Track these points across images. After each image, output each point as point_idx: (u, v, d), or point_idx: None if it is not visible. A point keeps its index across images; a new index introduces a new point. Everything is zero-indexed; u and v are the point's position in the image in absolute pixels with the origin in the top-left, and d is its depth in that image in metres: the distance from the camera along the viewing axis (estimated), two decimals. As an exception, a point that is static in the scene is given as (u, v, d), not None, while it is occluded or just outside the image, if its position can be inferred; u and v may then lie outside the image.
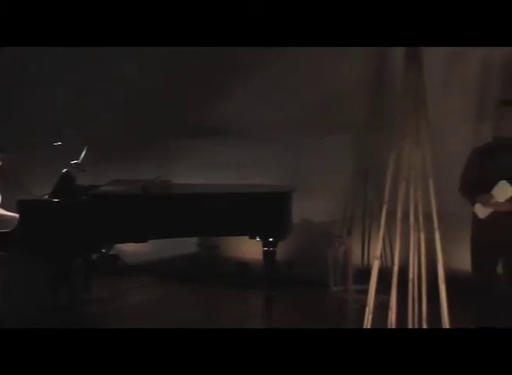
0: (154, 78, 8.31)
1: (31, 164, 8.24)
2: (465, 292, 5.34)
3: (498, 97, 5.90)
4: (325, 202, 7.85)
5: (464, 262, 5.58)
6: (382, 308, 5.32)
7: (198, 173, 7.77)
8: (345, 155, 7.84)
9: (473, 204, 5.39)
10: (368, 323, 5.26)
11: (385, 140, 5.76)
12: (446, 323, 5.13)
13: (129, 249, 8.02)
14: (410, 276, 5.17)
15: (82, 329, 5.00)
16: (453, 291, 5.17)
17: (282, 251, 6.52)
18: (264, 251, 6.29)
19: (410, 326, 5.17)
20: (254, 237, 6.31)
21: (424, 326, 5.14)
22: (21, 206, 5.98)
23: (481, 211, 5.34)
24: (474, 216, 5.43)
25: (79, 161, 6.64)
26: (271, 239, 6.27)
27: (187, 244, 8.08)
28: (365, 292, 5.39)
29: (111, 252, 7.78)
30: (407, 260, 5.19)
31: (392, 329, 5.13)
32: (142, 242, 6.24)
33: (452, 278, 5.29)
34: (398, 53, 5.39)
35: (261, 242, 6.29)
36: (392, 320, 5.19)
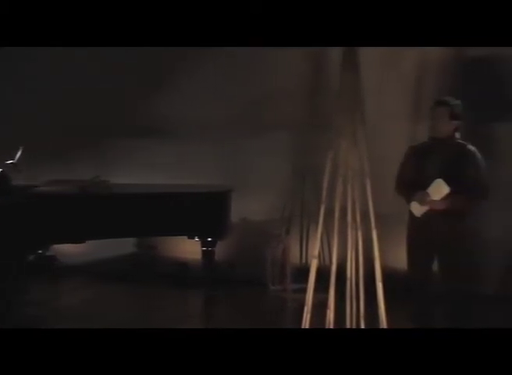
0: (92, 78, 8.24)
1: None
2: (402, 291, 5.40)
3: (433, 97, 5.96)
4: (264, 202, 7.87)
5: (402, 260, 5.63)
6: (320, 307, 5.35)
7: (136, 172, 7.73)
8: (283, 155, 7.87)
9: (409, 202, 5.43)
10: (306, 322, 5.28)
11: (322, 139, 5.79)
12: (383, 322, 5.18)
13: (67, 250, 7.93)
14: (348, 275, 5.21)
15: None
16: (391, 290, 5.22)
17: (221, 250, 6.51)
18: (203, 251, 6.28)
19: (348, 325, 5.20)
20: (192, 237, 6.29)
21: (362, 324, 5.18)
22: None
23: (417, 209, 5.38)
24: (410, 214, 5.48)
25: (14, 161, 6.53)
26: (209, 239, 6.26)
27: (126, 245, 8.03)
28: (303, 291, 5.41)
29: (47, 253, 7.68)
30: (344, 259, 5.23)
31: (329, 329, 5.16)
32: (79, 243, 6.17)
33: (389, 277, 5.34)
34: (335, 53, 5.42)
35: (199, 242, 6.28)
36: (330, 319, 5.21)
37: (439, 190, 5.25)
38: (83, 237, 6.10)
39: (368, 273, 5.18)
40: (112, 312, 6.91)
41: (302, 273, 6.04)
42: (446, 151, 5.36)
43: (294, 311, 6.36)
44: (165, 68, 8.15)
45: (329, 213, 5.23)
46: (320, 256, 6.01)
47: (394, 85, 7.49)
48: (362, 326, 5.18)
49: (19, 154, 6.58)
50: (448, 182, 5.19)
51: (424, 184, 5.30)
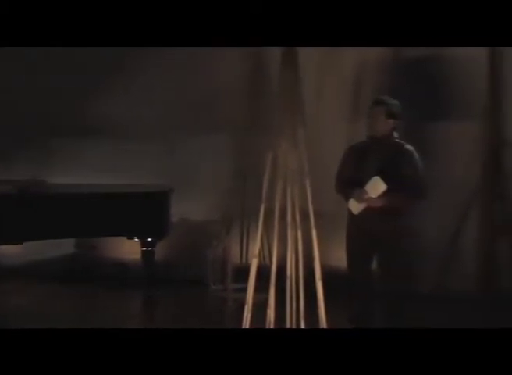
0: (30, 77, 8.14)
1: None
2: (342, 290, 5.44)
3: (372, 96, 6.02)
4: (204, 201, 7.86)
5: (342, 259, 5.67)
6: (261, 307, 5.35)
7: (75, 172, 7.64)
8: (223, 155, 7.88)
9: (347, 200, 5.47)
10: (246, 322, 5.28)
11: (262, 139, 5.79)
12: (323, 321, 5.21)
13: (5, 251, 7.81)
14: (288, 275, 5.22)
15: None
16: (331, 289, 5.25)
17: (161, 250, 6.48)
18: (143, 251, 6.25)
19: (288, 325, 5.22)
20: (132, 238, 6.25)
21: (302, 324, 5.20)
22: None
23: (355, 207, 5.42)
24: (349, 212, 5.52)
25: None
26: (149, 239, 6.23)
27: (65, 245, 7.94)
28: (244, 291, 5.41)
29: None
30: (285, 258, 5.24)
31: (269, 329, 5.17)
32: (17, 244, 6.09)
33: (330, 276, 5.37)
34: (274, 53, 5.43)
35: (139, 242, 6.24)
36: (270, 319, 5.23)
37: (376, 187, 5.29)
38: (21, 238, 6.01)
39: (308, 272, 5.20)
40: (51, 312, 6.83)
41: (243, 272, 6.03)
42: (384, 150, 5.42)
43: (235, 310, 6.35)
44: (105, 68, 8.09)
45: (269, 213, 5.24)
46: (260, 256, 6.01)
47: (333, 85, 7.54)
48: (302, 326, 5.20)
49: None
50: (385, 180, 5.24)
51: (362, 183, 5.35)
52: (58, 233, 6.09)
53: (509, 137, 7.26)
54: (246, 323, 5.28)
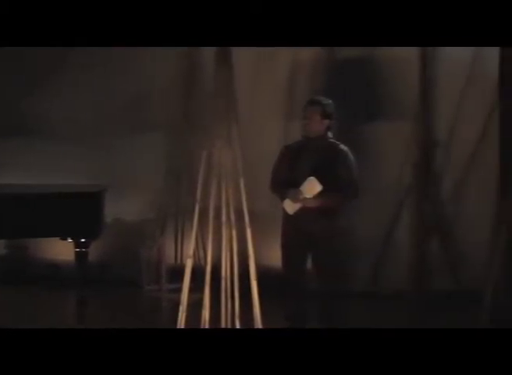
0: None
1: None
2: (277, 290, 5.45)
3: (307, 96, 6.05)
4: (138, 202, 7.82)
5: (277, 258, 5.69)
6: (196, 307, 5.35)
7: (7, 172, 7.53)
8: (158, 154, 7.84)
9: (282, 200, 5.49)
10: (181, 322, 5.27)
11: (196, 139, 5.80)
12: (258, 320, 5.22)
13: None
14: (223, 274, 5.22)
15: None
16: (267, 289, 5.27)
17: (94, 251, 6.42)
18: (76, 252, 6.18)
19: (223, 324, 5.22)
20: (65, 238, 6.18)
21: (237, 323, 5.20)
22: None
23: (290, 207, 5.43)
24: (284, 212, 5.53)
25: None
26: (83, 240, 6.16)
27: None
28: (179, 291, 5.40)
29: None
30: (220, 258, 5.24)
31: (204, 329, 5.17)
32: None
33: (265, 275, 5.39)
34: (209, 53, 5.43)
35: (72, 243, 6.17)
36: (205, 319, 5.22)
37: (312, 187, 5.31)
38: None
39: (243, 271, 5.21)
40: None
41: (177, 272, 6.02)
42: (319, 150, 5.45)
43: (170, 311, 6.33)
44: (39, 68, 8.00)
45: (204, 212, 5.23)
46: (195, 256, 6.02)
47: (268, 85, 7.56)
48: (237, 326, 5.21)
49: None
50: (320, 180, 5.26)
51: (297, 183, 5.36)
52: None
53: (440, 137, 7.36)
54: (181, 323, 5.27)
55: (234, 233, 5.21)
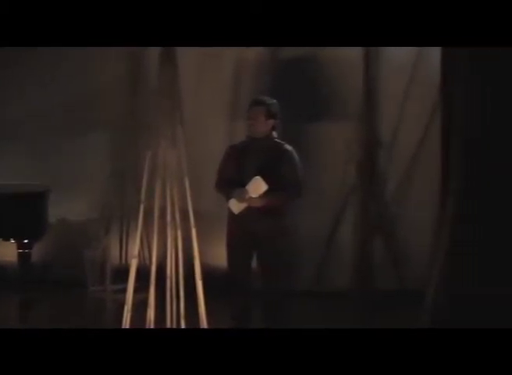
0: None
1: None
2: (223, 290, 5.46)
3: (251, 96, 6.06)
4: (82, 202, 7.76)
5: (223, 258, 5.69)
6: (141, 307, 5.34)
7: None
8: (102, 155, 7.79)
9: (228, 200, 5.50)
10: (126, 323, 5.25)
11: (141, 139, 5.79)
12: (203, 320, 5.23)
13: None
14: (168, 274, 5.22)
15: None
16: (212, 289, 5.28)
17: (38, 251, 6.37)
18: (19, 253, 6.12)
19: (168, 324, 5.22)
20: (8, 239, 6.12)
21: (183, 323, 5.21)
22: None
23: (236, 206, 5.44)
24: (230, 211, 5.54)
25: None
26: (26, 240, 6.11)
27: None
28: (124, 291, 5.38)
29: None
30: (165, 258, 5.24)
31: (149, 329, 5.17)
32: None
33: (210, 275, 5.39)
34: (152, 53, 5.42)
35: (15, 244, 6.11)
36: (150, 319, 5.22)
37: (257, 187, 5.33)
38: None
39: (188, 271, 5.22)
40: None
41: (122, 273, 6.00)
42: (264, 150, 5.47)
43: (115, 311, 6.31)
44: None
45: (149, 212, 5.22)
46: (140, 256, 6.00)
47: (213, 85, 7.56)
48: (183, 326, 5.21)
49: None
50: (266, 180, 5.29)
51: (243, 183, 5.37)
52: None
53: (383, 138, 7.43)
54: (126, 323, 5.25)
55: (179, 233, 5.21)
